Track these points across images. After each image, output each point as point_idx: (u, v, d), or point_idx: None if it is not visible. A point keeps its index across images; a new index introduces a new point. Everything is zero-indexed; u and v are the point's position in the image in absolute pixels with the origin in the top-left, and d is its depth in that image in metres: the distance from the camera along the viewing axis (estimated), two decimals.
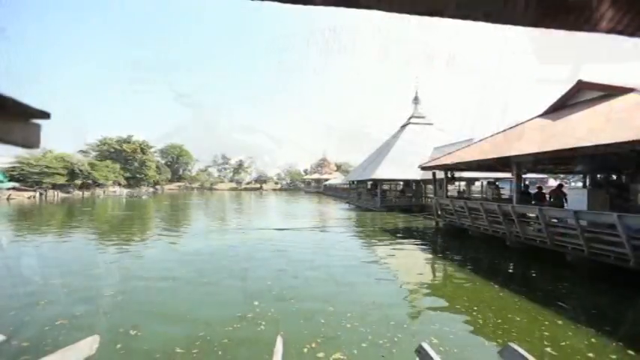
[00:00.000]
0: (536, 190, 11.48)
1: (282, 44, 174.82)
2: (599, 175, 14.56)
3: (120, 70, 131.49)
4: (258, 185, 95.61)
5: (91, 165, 59.16)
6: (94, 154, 72.17)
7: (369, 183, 28.60)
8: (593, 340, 4.20)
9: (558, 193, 10.60)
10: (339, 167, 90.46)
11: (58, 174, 50.41)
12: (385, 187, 27.92)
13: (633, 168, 12.64)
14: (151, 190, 74.01)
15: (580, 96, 11.10)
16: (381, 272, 7.90)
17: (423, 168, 16.05)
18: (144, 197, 47.87)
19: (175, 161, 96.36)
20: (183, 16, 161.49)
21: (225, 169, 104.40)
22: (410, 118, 31.20)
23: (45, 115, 0.73)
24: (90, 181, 56.88)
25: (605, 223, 6.97)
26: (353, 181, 34.10)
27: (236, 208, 29.24)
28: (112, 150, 72.20)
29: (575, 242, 7.62)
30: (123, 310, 5.21)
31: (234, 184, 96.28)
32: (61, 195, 47.12)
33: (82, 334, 3.14)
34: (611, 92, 9.72)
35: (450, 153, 14.89)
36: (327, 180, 69.84)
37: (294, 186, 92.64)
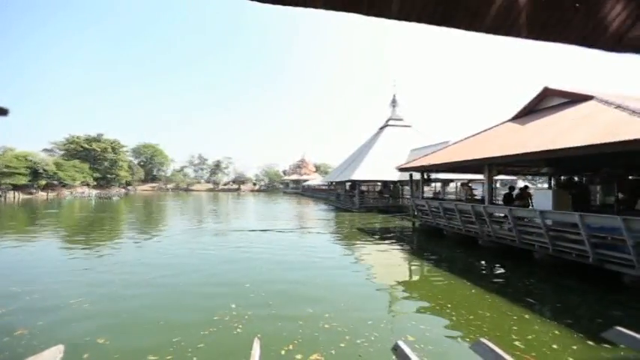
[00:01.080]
0: (518, 192, 11.95)
1: (263, 45, 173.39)
2: (562, 177, 15.43)
3: (100, 70, 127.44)
4: (236, 186, 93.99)
5: (57, 164, 55.91)
6: (60, 152, 68.29)
7: (348, 184, 28.86)
8: (556, 332, 4.44)
9: (525, 195, 11.14)
10: (318, 168, 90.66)
11: (19, 174, 47.29)
12: (364, 188, 28.28)
13: (592, 170, 13.51)
14: (123, 191, 70.99)
15: (546, 102, 11.75)
16: (358, 272, 7.99)
17: (401, 169, 16.38)
18: (114, 198, 45.86)
19: (149, 161, 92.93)
20: (166, 18, 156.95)
21: (202, 169, 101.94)
22: (388, 120, 31.78)
23: (2, 112, 0.68)
24: (55, 182, 53.74)
25: (568, 222, 7.40)
26: (332, 182, 34.28)
27: (213, 209, 28.60)
28: (80, 149, 68.58)
29: (542, 241, 8.04)
30: (90, 318, 4.95)
31: (211, 185, 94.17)
32: (23, 196, 44.23)
33: (45, 344, 2.96)
34: (574, 99, 10.35)
35: (426, 155, 15.30)
36: (306, 181, 69.79)
37: (273, 187, 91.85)
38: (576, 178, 15.02)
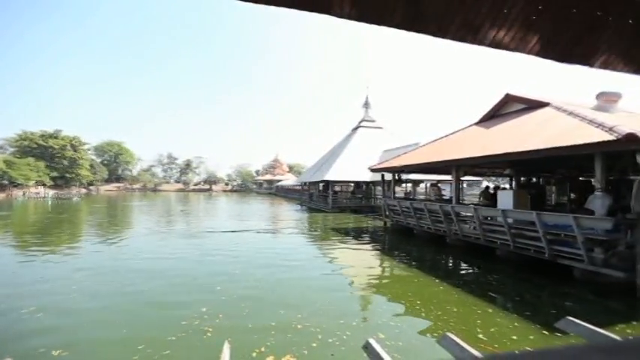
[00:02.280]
0: (489, 190, 12.53)
1: (236, 44, 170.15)
2: (522, 178, 16.43)
3: (63, 66, 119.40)
4: (207, 186, 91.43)
5: (7, 162, 51.59)
6: (11, 150, 63.01)
7: (321, 184, 28.98)
8: (516, 324, 4.72)
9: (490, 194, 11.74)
10: (291, 168, 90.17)
11: None
12: (337, 188, 28.52)
13: (548, 172, 14.52)
14: (84, 191, 66.74)
15: (508, 107, 12.47)
16: (331, 273, 8.04)
17: (373, 170, 16.70)
18: (74, 199, 43.06)
19: (114, 160, 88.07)
20: (136, 14, 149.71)
21: (171, 169, 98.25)
22: (361, 121, 32.28)
23: None
24: (5, 181, 49.52)
25: (527, 221, 7.90)
26: (305, 183, 34.27)
27: (182, 210, 27.61)
28: (35, 146, 63.61)
29: (504, 238, 8.52)
30: (44, 329, 4.59)
31: (181, 185, 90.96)
32: None
33: None
34: (532, 105, 11.06)
35: (397, 156, 15.70)
36: (279, 181, 69.24)
37: (246, 187, 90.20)
38: (534, 179, 16.06)
